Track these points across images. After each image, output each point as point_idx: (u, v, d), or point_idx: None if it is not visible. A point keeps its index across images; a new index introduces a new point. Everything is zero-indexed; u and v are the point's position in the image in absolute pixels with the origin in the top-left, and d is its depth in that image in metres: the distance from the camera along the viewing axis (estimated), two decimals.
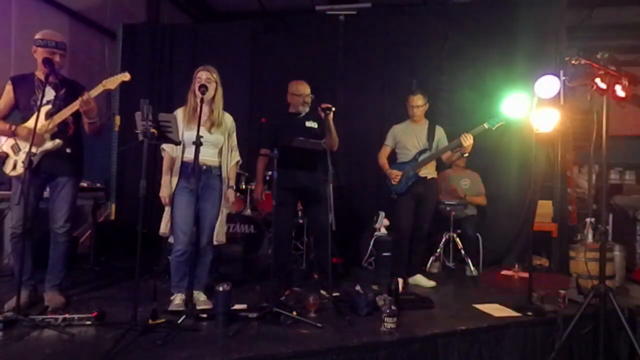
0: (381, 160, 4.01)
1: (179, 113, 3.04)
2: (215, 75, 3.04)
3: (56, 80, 2.94)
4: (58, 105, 2.89)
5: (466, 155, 3.82)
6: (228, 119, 3.16)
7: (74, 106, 2.84)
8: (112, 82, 2.92)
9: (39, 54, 2.90)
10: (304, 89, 3.56)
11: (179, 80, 5.69)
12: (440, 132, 4.01)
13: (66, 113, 2.85)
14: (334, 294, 3.15)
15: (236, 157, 3.20)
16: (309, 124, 3.51)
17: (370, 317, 2.88)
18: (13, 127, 2.87)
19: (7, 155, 2.90)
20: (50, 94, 2.89)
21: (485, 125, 3.71)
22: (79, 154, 3.10)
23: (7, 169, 2.90)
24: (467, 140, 3.65)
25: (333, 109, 3.29)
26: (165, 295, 3.05)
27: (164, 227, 3.02)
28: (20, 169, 2.85)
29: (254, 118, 5.56)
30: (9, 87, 2.96)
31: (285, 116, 3.64)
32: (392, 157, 4.05)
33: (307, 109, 3.56)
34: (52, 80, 2.90)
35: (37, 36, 2.91)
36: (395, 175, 3.84)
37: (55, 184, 2.99)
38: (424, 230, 3.96)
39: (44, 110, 2.82)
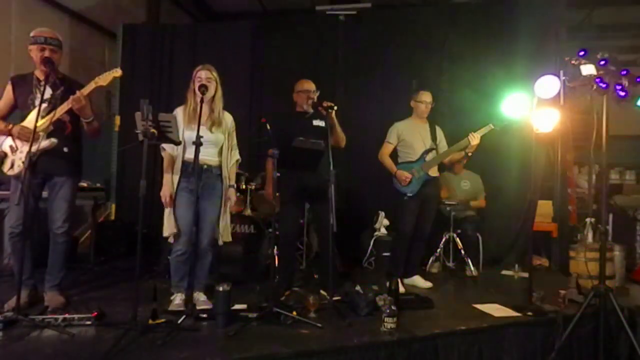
0: (387, 160, 3.90)
1: (179, 112, 3.03)
2: (215, 74, 3.03)
3: (54, 79, 2.93)
4: (55, 104, 2.88)
5: (470, 154, 3.81)
6: (228, 118, 3.15)
7: (67, 105, 2.83)
8: (104, 79, 2.90)
9: (33, 52, 2.91)
10: (309, 85, 3.56)
11: (179, 80, 5.67)
12: (440, 133, 4.00)
13: (59, 112, 2.83)
14: (335, 298, 3.15)
15: (236, 155, 3.19)
16: (316, 122, 3.48)
17: (370, 317, 2.88)
18: (10, 126, 2.87)
19: (5, 155, 2.91)
20: (47, 92, 2.88)
21: (491, 126, 3.73)
22: (77, 153, 3.09)
23: (5, 168, 2.91)
24: (475, 139, 3.68)
25: (335, 107, 3.29)
26: (165, 295, 3.05)
27: (167, 229, 2.96)
28: (17, 169, 2.86)
29: (254, 118, 5.57)
30: (8, 87, 2.97)
31: (292, 116, 3.61)
32: (393, 156, 3.99)
33: (311, 106, 3.53)
34: (50, 79, 2.89)
35: (30, 34, 2.92)
36: (406, 177, 3.75)
37: (53, 183, 2.98)
38: (427, 231, 3.94)
39: (41, 109, 2.81)
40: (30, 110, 2.88)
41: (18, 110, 2.99)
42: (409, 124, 3.96)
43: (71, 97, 2.81)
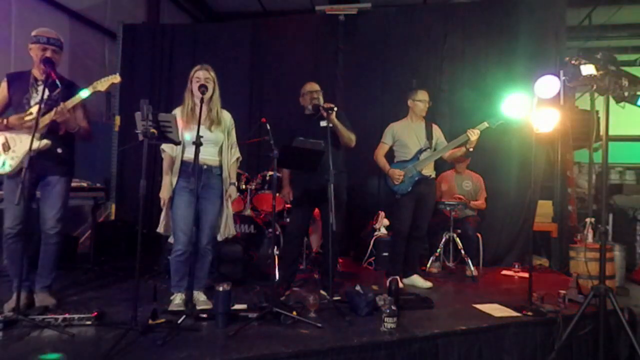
0: (381, 160, 3.95)
1: (177, 113, 3.03)
2: (213, 74, 3.05)
3: (53, 80, 2.90)
4: (50, 105, 2.85)
5: (471, 150, 3.79)
6: (227, 117, 3.16)
7: (50, 117, 2.80)
8: (102, 84, 2.91)
9: (33, 51, 2.90)
10: (312, 86, 3.59)
11: (179, 80, 5.65)
12: (438, 131, 4.00)
13: (45, 121, 2.80)
14: (335, 298, 3.15)
15: (236, 153, 3.19)
16: (323, 123, 3.49)
17: (370, 317, 2.88)
18: (5, 121, 2.85)
19: None
20: (45, 93, 2.87)
21: (486, 124, 3.72)
22: (70, 154, 3.07)
23: None
24: (474, 135, 3.67)
25: (335, 108, 3.29)
26: (165, 295, 3.05)
27: (161, 227, 3.01)
28: (8, 168, 2.83)
29: (254, 118, 5.57)
30: (3, 84, 2.94)
31: (302, 119, 3.63)
32: (389, 156, 4.00)
33: (312, 108, 3.53)
34: (49, 80, 2.85)
35: (32, 33, 2.92)
36: (399, 175, 3.78)
37: (46, 183, 2.96)
38: (423, 230, 3.95)
39: (37, 109, 2.77)
40: (25, 110, 2.87)
41: (11, 109, 2.95)
42: (404, 124, 3.99)
43: (54, 109, 2.80)
